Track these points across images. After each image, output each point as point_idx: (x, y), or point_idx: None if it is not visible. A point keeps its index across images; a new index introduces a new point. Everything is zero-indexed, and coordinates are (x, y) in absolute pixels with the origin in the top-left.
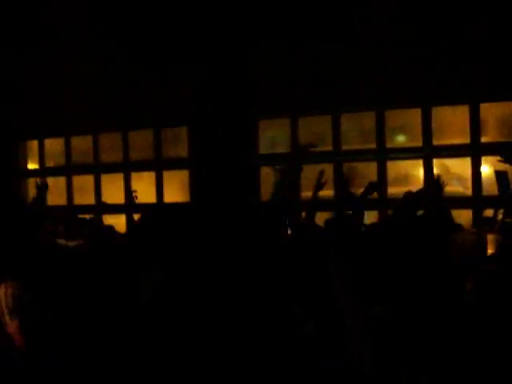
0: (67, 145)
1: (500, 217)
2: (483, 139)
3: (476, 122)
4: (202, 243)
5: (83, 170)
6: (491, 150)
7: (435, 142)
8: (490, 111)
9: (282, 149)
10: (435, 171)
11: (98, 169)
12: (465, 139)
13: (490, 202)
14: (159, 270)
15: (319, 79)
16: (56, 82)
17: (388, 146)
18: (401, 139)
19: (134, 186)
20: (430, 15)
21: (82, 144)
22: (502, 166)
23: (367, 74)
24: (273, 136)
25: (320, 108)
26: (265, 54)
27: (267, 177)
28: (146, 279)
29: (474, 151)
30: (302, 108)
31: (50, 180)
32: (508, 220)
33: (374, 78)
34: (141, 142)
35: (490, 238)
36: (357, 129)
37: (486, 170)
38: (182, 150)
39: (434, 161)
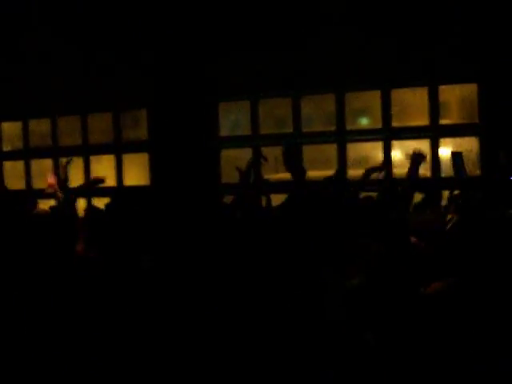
0: (25, 128)
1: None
2: (442, 121)
3: (435, 105)
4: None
5: (41, 153)
6: (450, 132)
7: (395, 124)
8: (449, 93)
9: (242, 131)
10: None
11: (56, 152)
12: (424, 121)
13: (448, 183)
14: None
15: (279, 62)
16: (14, 65)
17: (349, 128)
18: (364, 122)
19: (94, 169)
20: None
21: (40, 127)
22: (459, 148)
23: (327, 56)
24: (234, 118)
25: (280, 90)
26: (225, 39)
27: (228, 159)
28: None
29: (433, 133)
30: (263, 90)
31: (8, 164)
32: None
33: (334, 60)
34: (100, 125)
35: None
36: (317, 111)
37: (445, 151)
38: (141, 133)
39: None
